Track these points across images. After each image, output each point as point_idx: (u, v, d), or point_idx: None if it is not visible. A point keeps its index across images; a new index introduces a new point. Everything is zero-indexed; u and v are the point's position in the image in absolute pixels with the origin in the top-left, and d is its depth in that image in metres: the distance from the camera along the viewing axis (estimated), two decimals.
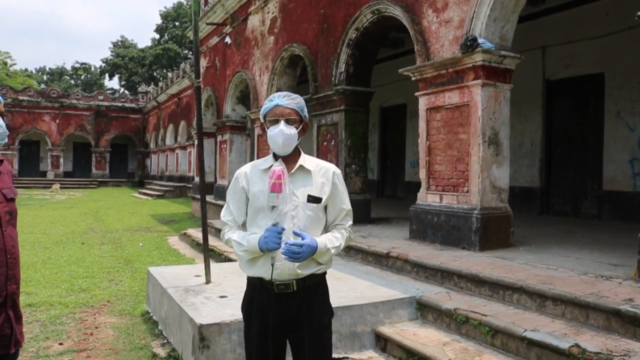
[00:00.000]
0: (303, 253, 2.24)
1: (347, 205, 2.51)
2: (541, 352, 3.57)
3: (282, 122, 2.35)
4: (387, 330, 4.41)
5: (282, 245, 2.25)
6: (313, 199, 2.38)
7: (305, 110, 2.47)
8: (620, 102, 9.14)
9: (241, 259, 2.44)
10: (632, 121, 8.98)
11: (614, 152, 9.22)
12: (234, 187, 2.50)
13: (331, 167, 2.49)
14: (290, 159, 2.42)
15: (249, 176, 2.46)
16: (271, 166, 2.38)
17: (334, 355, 4.21)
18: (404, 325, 4.53)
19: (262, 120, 2.48)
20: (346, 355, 4.27)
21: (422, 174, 6.95)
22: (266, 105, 2.44)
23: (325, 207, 2.46)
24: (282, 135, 2.34)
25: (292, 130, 2.36)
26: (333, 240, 2.41)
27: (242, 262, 2.46)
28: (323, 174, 2.44)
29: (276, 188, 2.28)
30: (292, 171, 2.39)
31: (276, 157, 2.43)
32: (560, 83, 10.28)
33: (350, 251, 6.82)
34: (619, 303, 3.70)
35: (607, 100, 9.35)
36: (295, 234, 2.29)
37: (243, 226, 2.50)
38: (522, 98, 10.15)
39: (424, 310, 4.69)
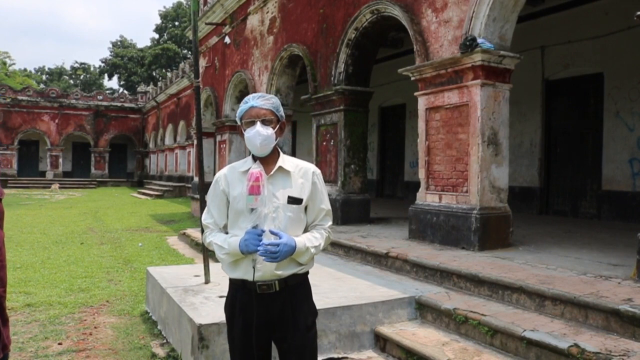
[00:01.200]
0: (280, 252, 2.23)
1: (327, 206, 2.50)
2: (540, 352, 3.57)
3: (258, 123, 2.35)
4: (386, 330, 4.41)
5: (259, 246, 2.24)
6: (293, 200, 2.37)
7: (281, 109, 2.46)
8: (620, 102, 9.15)
9: (223, 262, 2.44)
10: (631, 121, 8.99)
11: (613, 152, 9.23)
12: (214, 190, 2.49)
13: (310, 167, 2.48)
14: (269, 160, 2.41)
15: (229, 179, 2.45)
16: (250, 168, 2.37)
17: (334, 355, 4.22)
18: (403, 325, 4.53)
19: (239, 123, 2.47)
20: (345, 355, 4.27)
21: (422, 174, 6.95)
22: (241, 107, 2.43)
23: (306, 208, 2.45)
24: (259, 136, 2.33)
25: (269, 131, 2.35)
26: (312, 239, 2.40)
27: (224, 265, 2.45)
28: (302, 175, 2.43)
29: (254, 190, 2.27)
30: (272, 172, 2.38)
31: (255, 158, 2.43)
32: (559, 83, 10.29)
33: (349, 251, 6.82)
34: (618, 303, 3.71)
35: (607, 100, 9.36)
36: (273, 233, 2.28)
37: (225, 228, 2.49)
38: (521, 98, 10.16)
39: (423, 310, 4.69)
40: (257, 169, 2.33)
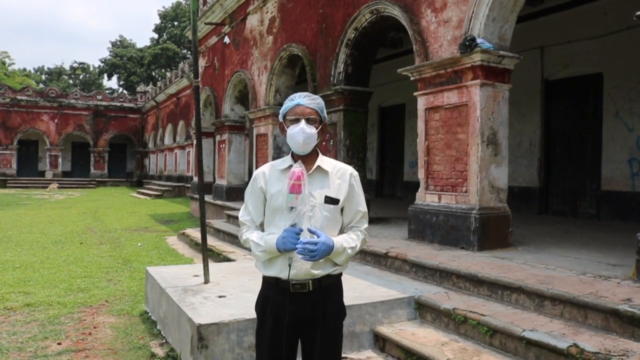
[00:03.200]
0: (318, 251, 2.24)
1: (364, 208, 2.51)
2: (540, 352, 3.57)
3: (303, 121, 2.37)
4: (385, 330, 4.41)
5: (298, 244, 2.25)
6: (330, 200, 2.38)
7: (325, 111, 2.49)
8: (619, 102, 9.15)
9: (258, 259, 2.44)
10: (630, 121, 8.99)
11: (612, 152, 9.23)
12: (252, 187, 2.51)
13: (348, 169, 2.50)
14: (308, 160, 2.42)
15: (268, 176, 2.46)
16: (290, 166, 2.38)
17: None
18: (402, 325, 4.54)
19: (281, 120, 2.48)
20: (345, 355, 4.26)
21: (421, 174, 6.95)
22: (287, 104, 2.45)
23: (342, 209, 2.46)
24: (302, 133, 2.34)
25: (312, 130, 2.37)
26: (349, 240, 2.41)
27: (258, 262, 2.46)
28: (340, 176, 2.45)
29: (295, 189, 2.28)
30: (310, 172, 2.39)
31: (294, 157, 2.44)
32: (559, 83, 10.29)
33: None
34: (618, 303, 3.71)
35: (606, 100, 9.36)
36: (311, 231, 2.29)
37: (261, 226, 2.50)
38: (521, 98, 10.16)
39: (422, 310, 4.70)
40: (299, 167, 2.34)
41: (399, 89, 12.94)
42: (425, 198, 6.84)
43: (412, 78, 7.04)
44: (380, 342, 4.42)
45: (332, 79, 8.99)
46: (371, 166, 15.69)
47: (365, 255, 6.47)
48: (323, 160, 2.45)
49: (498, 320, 3.99)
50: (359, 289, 4.97)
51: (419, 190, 6.99)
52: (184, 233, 11.38)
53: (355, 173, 2.52)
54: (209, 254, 5.55)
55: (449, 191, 6.48)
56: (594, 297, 3.88)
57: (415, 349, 4.00)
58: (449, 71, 6.38)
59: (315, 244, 2.24)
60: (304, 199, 2.30)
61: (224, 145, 14.60)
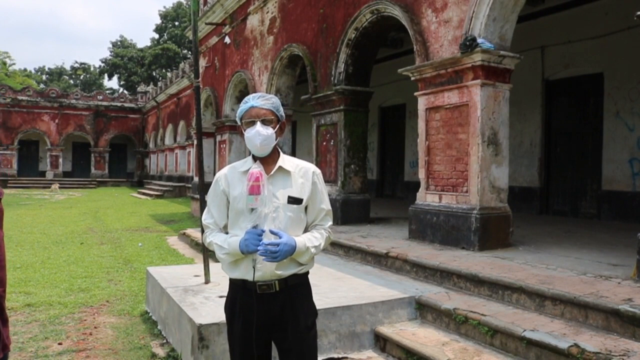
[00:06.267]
0: (280, 252, 2.23)
1: (327, 206, 2.50)
2: (540, 352, 3.57)
3: (258, 123, 2.35)
4: (386, 330, 4.41)
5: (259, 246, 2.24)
6: (293, 200, 2.37)
7: (282, 109, 2.46)
8: (620, 102, 9.15)
9: (223, 262, 2.44)
10: (631, 121, 8.99)
11: (613, 152, 9.22)
12: (214, 190, 2.49)
13: (310, 167, 2.48)
14: (269, 160, 2.41)
15: (229, 179, 2.45)
16: (250, 168, 2.37)
17: (333, 355, 4.22)
18: (403, 325, 4.53)
19: (239, 123, 2.47)
20: (345, 355, 4.27)
21: (422, 174, 6.95)
22: (241, 107, 2.43)
23: (306, 208, 2.45)
24: (259, 136, 2.34)
25: (269, 131, 2.36)
26: (312, 239, 2.40)
27: (224, 265, 2.45)
28: (303, 174, 2.44)
29: (254, 190, 2.27)
30: (272, 172, 2.38)
31: (255, 158, 2.43)
32: (559, 83, 10.29)
33: (349, 251, 6.82)
34: (618, 303, 3.71)
35: (607, 100, 9.36)
36: (273, 232, 2.28)
37: (225, 228, 2.49)
38: (521, 98, 10.16)
39: (423, 310, 4.70)
40: (257, 168, 2.33)
41: (400, 89, 12.95)
42: (426, 198, 6.84)
43: (412, 78, 7.04)
44: (381, 342, 4.42)
45: (332, 79, 8.99)
46: (372, 166, 15.69)
47: (366, 256, 6.47)
48: (285, 160, 2.44)
49: (499, 320, 3.99)
50: (360, 289, 4.97)
51: (420, 190, 6.99)
52: (184, 233, 11.38)
53: (318, 171, 2.50)
54: (209, 254, 5.54)
55: (450, 191, 6.48)
56: (595, 297, 3.88)
57: (416, 349, 4.00)
58: (450, 71, 6.38)
59: (277, 244, 2.23)
60: (263, 200, 2.29)
61: (224, 146, 14.61)
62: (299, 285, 2.43)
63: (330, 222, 2.52)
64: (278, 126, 2.42)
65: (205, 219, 2.53)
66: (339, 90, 8.74)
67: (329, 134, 9.18)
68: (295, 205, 2.37)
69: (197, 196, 13.67)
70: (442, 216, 6.44)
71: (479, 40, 5.94)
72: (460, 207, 6.24)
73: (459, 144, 6.34)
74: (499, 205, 6.21)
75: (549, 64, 10.31)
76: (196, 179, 17.43)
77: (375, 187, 15.60)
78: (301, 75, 11.51)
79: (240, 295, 2.40)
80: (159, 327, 5.07)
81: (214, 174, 18.15)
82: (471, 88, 6.12)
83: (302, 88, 11.45)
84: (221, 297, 4.61)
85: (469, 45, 5.97)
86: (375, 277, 5.64)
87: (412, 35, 7.08)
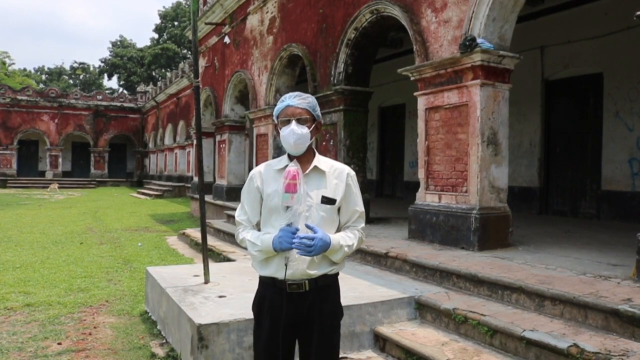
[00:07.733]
0: (315, 246, 2.22)
1: (360, 207, 2.51)
2: (540, 352, 3.57)
3: (294, 122, 2.36)
4: (385, 330, 4.41)
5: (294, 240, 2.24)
6: (327, 200, 2.38)
7: (318, 109, 2.48)
8: (619, 102, 9.15)
9: (255, 259, 2.44)
10: (631, 121, 8.99)
11: (612, 152, 9.23)
12: (248, 187, 2.51)
13: (345, 169, 2.49)
14: (304, 160, 2.42)
15: (264, 176, 2.46)
16: (286, 166, 2.38)
17: None
18: (402, 325, 4.53)
19: (275, 122, 2.48)
20: (345, 355, 4.27)
21: (421, 174, 6.95)
22: (278, 106, 2.45)
23: (339, 209, 2.45)
24: (293, 135, 2.34)
25: (304, 130, 2.36)
26: (346, 238, 2.40)
27: (255, 262, 2.46)
28: (337, 175, 2.45)
29: (290, 188, 2.28)
30: (307, 172, 2.39)
31: (291, 157, 2.44)
32: (559, 83, 10.29)
33: None
34: (618, 303, 3.71)
35: (606, 100, 9.36)
36: (308, 227, 2.28)
37: (257, 226, 2.50)
38: (521, 98, 10.16)
39: (422, 310, 4.70)
40: (294, 167, 2.34)
41: (399, 89, 12.95)
42: (426, 198, 6.84)
43: (412, 78, 7.04)
44: (381, 342, 4.42)
45: (332, 78, 8.99)
46: (371, 166, 15.69)
47: (366, 255, 6.47)
48: (320, 160, 2.45)
49: (498, 320, 3.99)
50: (359, 289, 4.97)
51: (419, 190, 6.99)
52: (184, 233, 11.38)
53: (353, 173, 2.52)
54: (209, 254, 5.55)
55: (449, 191, 6.48)
56: (594, 297, 3.88)
57: (416, 349, 4.00)
58: (449, 71, 6.38)
59: (313, 239, 2.23)
60: (299, 198, 2.30)
61: (224, 145, 14.60)
62: (328, 286, 2.43)
63: (363, 224, 2.53)
64: (314, 126, 2.42)
65: (238, 215, 2.53)
66: (339, 90, 8.73)
67: (329, 133, 9.18)
68: (328, 206, 2.38)
69: (197, 196, 13.67)
70: (442, 216, 6.44)
71: (479, 40, 5.94)
72: (459, 207, 6.24)
73: (458, 144, 6.34)
74: (498, 205, 6.22)
75: (548, 64, 10.31)
76: (196, 178, 17.43)
77: (374, 187, 15.60)
78: (301, 75, 11.51)
79: (270, 293, 2.41)
80: (158, 327, 5.07)
81: (214, 174, 18.21)
82: (471, 88, 6.12)
83: (301, 88, 11.42)
84: (221, 297, 4.61)
85: (468, 45, 5.97)
86: (374, 277, 5.64)
87: (411, 35, 7.08)
